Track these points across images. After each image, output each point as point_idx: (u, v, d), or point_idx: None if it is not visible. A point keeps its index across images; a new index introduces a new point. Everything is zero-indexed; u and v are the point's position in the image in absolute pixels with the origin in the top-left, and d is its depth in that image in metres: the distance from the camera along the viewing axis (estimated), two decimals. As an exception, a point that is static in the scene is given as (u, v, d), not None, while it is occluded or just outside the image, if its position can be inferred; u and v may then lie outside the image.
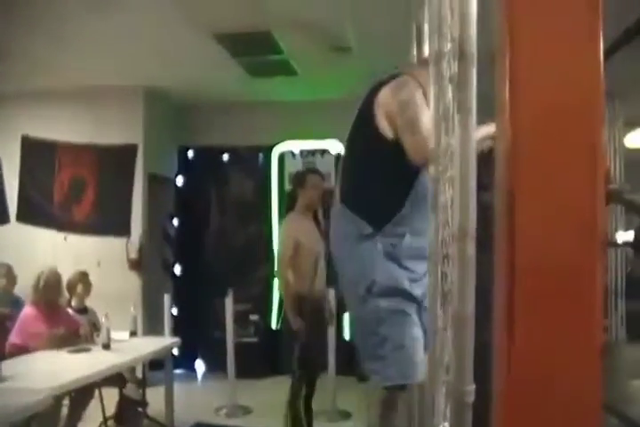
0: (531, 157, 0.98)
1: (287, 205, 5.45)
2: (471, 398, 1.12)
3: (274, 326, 8.37)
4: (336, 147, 8.47)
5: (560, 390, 0.97)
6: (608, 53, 1.00)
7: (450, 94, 1.31)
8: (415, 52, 4.23)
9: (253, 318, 8.11)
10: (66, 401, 4.95)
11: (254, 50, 6.61)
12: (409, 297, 2.54)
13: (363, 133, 2.72)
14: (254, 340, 7.99)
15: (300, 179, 5.41)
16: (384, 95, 2.65)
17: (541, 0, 1.03)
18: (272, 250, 8.39)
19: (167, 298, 6.04)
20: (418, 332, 2.54)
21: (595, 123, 0.98)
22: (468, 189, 1.21)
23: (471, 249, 1.18)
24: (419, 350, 2.52)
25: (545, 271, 0.97)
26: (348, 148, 2.89)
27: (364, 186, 2.64)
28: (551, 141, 0.99)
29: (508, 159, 0.99)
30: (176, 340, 5.85)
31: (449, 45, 1.32)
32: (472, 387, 1.13)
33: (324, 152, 8.54)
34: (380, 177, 2.59)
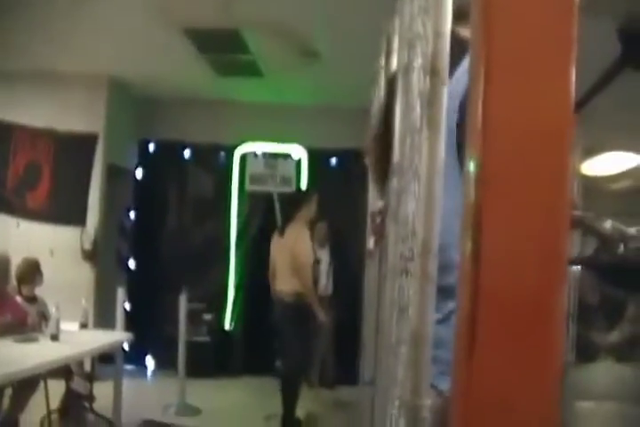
0: (499, 180, 0.99)
1: (286, 215, 6.11)
2: (427, 414, 1.13)
3: (227, 326, 8.35)
4: (298, 152, 8.49)
5: (519, 412, 0.98)
6: (579, 104, 1.02)
7: (417, 109, 1.32)
8: (383, 62, 4.26)
9: (207, 317, 8.07)
10: (9, 392, 4.88)
11: (222, 47, 6.59)
12: None
13: None
14: (206, 339, 7.95)
15: (306, 195, 6.22)
16: None
17: (518, 30, 1.04)
18: (229, 250, 8.38)
19: (121, 292, 5.97)
20: None
21: (563, 150, 1.00)
22: (432, 205, 1.22)
23: (433, 266, 1.19)
24: None
25: (509, 294, 0.98)
26: None
27: None
28: (520, 166, 1.00)
29: (476, 181, 1.00)
30: (128, 335, 5.76)
31: (419, 60, 1.33)
32: (428, 402, 1.14)
33: (286, 156, 8.56)
34: None
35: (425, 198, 1.22)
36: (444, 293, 2.05)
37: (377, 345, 3.39)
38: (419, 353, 1.16)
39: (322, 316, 5.70)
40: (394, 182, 1.49)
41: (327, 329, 6.77)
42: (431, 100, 1.25)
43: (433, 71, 1.26)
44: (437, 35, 1.27)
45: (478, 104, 1.03)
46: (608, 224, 1.63)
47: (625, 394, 2.62)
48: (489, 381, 0.96)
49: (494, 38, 1.04)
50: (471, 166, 1.01)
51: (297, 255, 5.65)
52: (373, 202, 4.55)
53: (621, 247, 1.62)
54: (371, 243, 4.13)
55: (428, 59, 1.26)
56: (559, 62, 1.04)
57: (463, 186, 1.18)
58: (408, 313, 1.25)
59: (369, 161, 2.93)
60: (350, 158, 7.92)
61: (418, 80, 1.32)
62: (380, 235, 3.43)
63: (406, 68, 1.41)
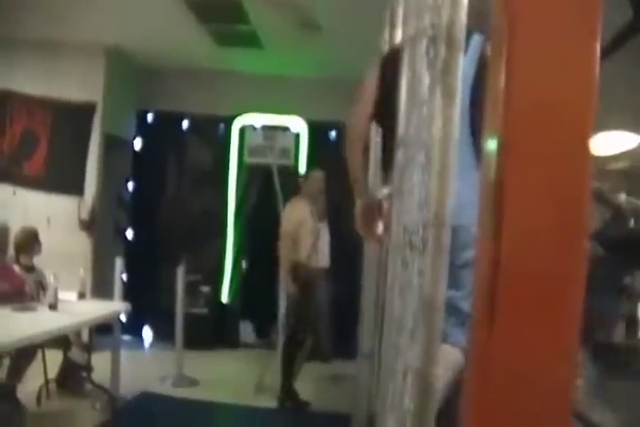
0: (522, 151, 0.98)
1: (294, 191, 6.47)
2: (437, 381, 1.13)
3: (224, 299, 8.36)
4: (297, 124, 8.44)
5: (536, 385, 0.98)
6: (602, 55, 1.00)
7: (427, 81, 1.30)
8: (387, 35, 4.22)
9: (204, 289, 8.08)
10: (6, 360, 4.88)
11: (222, 17, 6.51)
12: None
13: None
14: (204, 311, 7.96)
15: (305, 174, 6.67)
16: None
17: (542, 3, 1.02)
18: (227, 222, 8.36)
19: (119, 262, 5.94)
20: None
21: (586, 121, 0.98)
22: (447, 175, 1.21)
23: (446, 237, 1.18)
24: None
25: (530, 269, 0.97)
26: None
27: None
28: (543, 137, 0.98)
29: (498, 154, 0.99)
30: (126, 305, 5.74)
31: (430, 30, 1.30)
32: (439, 370, 1.14)
33: (285, 129, 8.51)
34: None
35: (439, 169, 1.21)
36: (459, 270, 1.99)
37: (379, 318, 3.39)
38: (431, 323, 1.15)
39: (290, 287, 5.87)
40: (398, 156, 1.48)
41: (322, 302, 6.75)
42: (446, 69, 1.23)
43: (449, 40, 1.24)
44: (454, 3, 1.24)
45: (500, 77, 1.01)
46: (622, 197, 1.63)
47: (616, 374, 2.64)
48: (508, 354, 0.95)
49: (517, 12, 1.02)
50: (490, 141, 0.99)
51: (281, 227, 6.00)
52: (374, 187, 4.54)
53: (632, 221, 1.61)
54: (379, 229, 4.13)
55: (443, 28, 1.24)
56: (583, 34, 1.02)
57: (482, 160, 1.16)
58: (412, 285, 1.25)
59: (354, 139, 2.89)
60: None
61: (427, 51, 1.29)
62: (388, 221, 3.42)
63: (414, 40, 1.39)
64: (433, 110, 1.22)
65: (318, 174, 6.21)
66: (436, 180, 1.20)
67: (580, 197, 0.96)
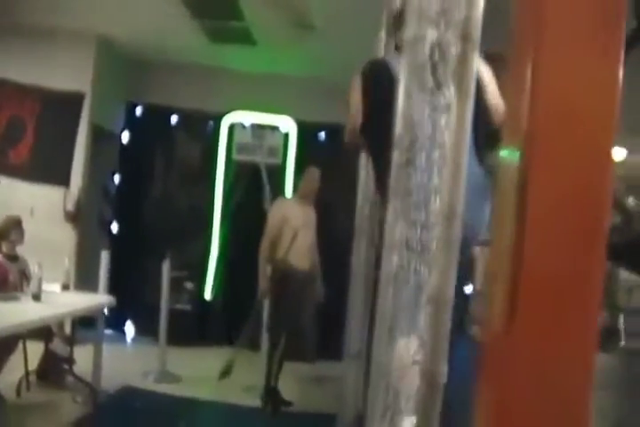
0: (544, 155, 0.98)
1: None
2: (443, 379, 1.13)
3: (208, 296, 8.32)
4: (287, 123, 8.42)
5: (555, 385, 0.98)
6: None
7: (430, 83, 1.30)
8: (384, 36, 4.22)
9: (188, 285, 8.04)
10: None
11: (216, 13, 6.49)
12: None
13: None
14: (187, 308, 7.94)
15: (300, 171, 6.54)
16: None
17: (570, 6, 1.03)
18: (213, 219, 8.33)
19: (105, 255, 5.88)
20: None
21: (608, 126, 0.99)
22: (460, 170, 1.21)
23: (457, 230, 1.18)
24: None
25: (551, 271, 0.97)
26: None
27: None
28: (566, 142, 0.99)
29: (520, 158, 0.99)
30: (110, 298, 5.67)
31: (434, 31, 1.30)
32: (445, 368, 1.14)
33: (274, 128, 8.49)
34: None
35: (452, 165, 1.21)
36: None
37: (370, 319, 3.38)
38: (440, 318, 1.15)
39: (263, 284, 5.82)
40: (395, 156, 1.47)
41: (304, 302, 6.66)
42: (463, 68, 1.24)
43: (465, 37, 1.24)
44: (470, 3, 1.25)
45: (525, 83, 1.01)
46: (631, 200, 1.63)
47: (601, 383, 2.66)
48: (525, 354, 0.95)
49: (544, 19, 1.02)
50: (512, 145, 0.99)
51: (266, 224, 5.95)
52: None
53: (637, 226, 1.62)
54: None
55: (458, 24, 1.24)
56: (607, 42, 1.03)
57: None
58: (410, 284, 1.25)
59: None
60: (340, 133, 7.81)
61: (431, 52, 1.29)
62: None
63: (415, 41, 1.38)
64: (440, 111, 1.22)
65: (314, 171, 6.13)
66: (448, 174, 1.21)
67: (601, 200, 0.97)
